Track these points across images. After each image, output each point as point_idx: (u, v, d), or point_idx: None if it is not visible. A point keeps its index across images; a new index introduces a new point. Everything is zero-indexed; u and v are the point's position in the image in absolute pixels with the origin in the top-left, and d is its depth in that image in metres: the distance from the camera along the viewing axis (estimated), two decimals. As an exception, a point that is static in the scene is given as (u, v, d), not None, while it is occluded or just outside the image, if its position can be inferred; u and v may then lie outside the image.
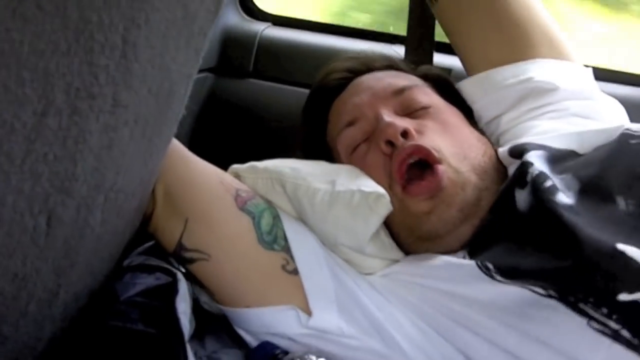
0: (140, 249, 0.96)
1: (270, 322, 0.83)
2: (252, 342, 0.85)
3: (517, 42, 1.02)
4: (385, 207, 0.86)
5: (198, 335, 0.83)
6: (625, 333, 0.68)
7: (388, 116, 0.92)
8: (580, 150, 0.88)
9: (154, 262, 0.87)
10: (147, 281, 0.80)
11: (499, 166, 0.93)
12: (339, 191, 0.87)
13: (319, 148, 1.03)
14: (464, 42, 1.07)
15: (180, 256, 0.86)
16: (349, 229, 0.87)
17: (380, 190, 0.86)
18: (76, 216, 0.60)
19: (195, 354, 0.77)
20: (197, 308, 0.87)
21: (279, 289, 0.84)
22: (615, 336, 0.68)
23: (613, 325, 0.68)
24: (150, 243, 0.98)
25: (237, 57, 1.50)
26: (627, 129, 0.86)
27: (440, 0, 1.07)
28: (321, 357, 0.76)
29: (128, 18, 0.53)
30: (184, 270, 0.94)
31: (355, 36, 1.53)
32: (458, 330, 0.79)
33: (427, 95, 0.98)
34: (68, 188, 0.57)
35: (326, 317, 0.82)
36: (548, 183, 0.81)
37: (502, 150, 0.93)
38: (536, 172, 0.83)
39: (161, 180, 0.84)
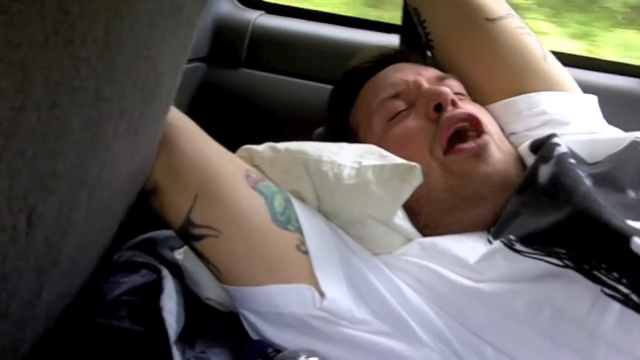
0: (130, 243, 0.94)
1: (281, 300, 0.81)
2: (257, 323, 0.83)
3: (513, 89, 1.04)
4: (417, 177, 0.86)
5: (188, 334, 0.81)
6: (634, 297, 0.70)
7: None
8: (589, 160, 0.91)
9: (141, 258, 0.85)
10: (133, 279, 0.78)
11: (521, 167, 0.96)
12: (368, 165, 0.88)
13: (342, 131, 1.05)
14: (466, 79, 1.07)
15: (187, 233, 0.83)
16: (378, 200, 0.86)
17: (411, 162, 0.87)
18: (58, 213, 0.58)
19: (183, 354, 0.75)
20: (188, 305, 0.85)
21: (293, 268, 0.83)
22: (626, 300, 0.70)
23: (623, 289, 0.71)
24: (141, 237, 0.96)
25: (229, 46, 1.48)
26: (637, 137, 0.90)
27: (435, 54, 1.11)
28: (312, 356, 0.74)
29: (110, 8, 0.51)
30: (180, 257, 0.91)
31: (351, 25, 1.51)
32: (473, 308, 0.79)
33: (462, 86, 1.03)
34: (49, 185, 0.54)
35: (338, 298, 0.81)
36: (572, 160, 0.86)
37: (523, 146, 0.97)
38: (563, 150, 0.88)
39: (164, 155, 0.81)
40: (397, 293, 0.83)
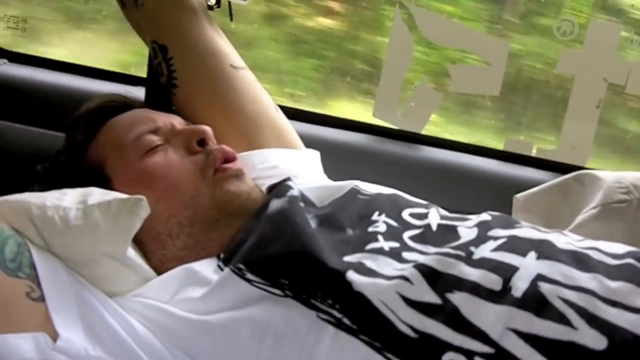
0: None
1: (11, 350, 0.78)
2: None
3: (250, 134, 1.15)
4: (144, 209, 0.88)
5: None
6: (346, 320, 0.79)
7: None
8: (317, 203, 1.01)
9: None
10: None
11: None
12: (94, 204, 0.88)
13: (78, 169, 1.03)
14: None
15: None
16: (109, 235, 0.87)
17: (137, 196, 0.89)
18: None
19: None
20: None
21: (23, 316, 0.80)
22: (339, 324, 0.80)
23: (336, 314, 0.80)
24: None
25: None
26: (357, 186, 1.03)
27: (178, 93, 1.16)
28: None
29: None
30: None
31: (97, 76, 1.51)
32: (200, 340, 0.83)
33: None
34: None
35: (72, 338, 0.81)
36: (302, 204, 0.96)
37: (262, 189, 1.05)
38: (295, 193, 0.98)
39: None
40: (131, 330, 0.85)
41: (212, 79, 1.15)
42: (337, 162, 1.17)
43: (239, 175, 1.01)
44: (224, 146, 1.02)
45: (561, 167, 1.45)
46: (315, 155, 1.21)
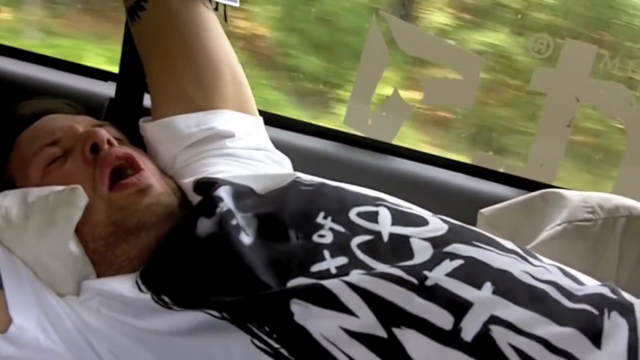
0: None
1: None
2: None
3: (209, 77, 1.09)
4: (81, 197, 0.88)
5: None
6: (284, 351, 0.77)
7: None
8: (258, 189, 0.96)
9: None
10: None
11: (183, 199, 0.98)
12: (33, 201, 0.88)
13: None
14: (158, 72, 1.11)
15: None
16: (51, 230, 0.87)
17: (72, 185, 0.88)
18: None
19: None
20: None
21: None
22: (277, 355, 0.77)
23: (273, 344, 0.77)
24: None
25: None
26: (298, 177, 0.97)
27: (143, 18, 1.10)
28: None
29: None
30: None
31: (65, 69, 1.48)
32: (141, 354, 0.83)
33: (119, 131, 1.04)
34: None
35: (24, 325, 0.81)
36: (234, 222, 0.88)
37: (187, 182, 0.99)
38: (225, 208, 0.89)
39: None
40: (83, 328, 0.85)
41: (185, 10, 1.09)
42: (303, 168, 1.15)
43: (142, 190, 0.92)
44: (117, 149, 0.95)
45: (528, 183, 1.45)
46: (258, 120, 1.15)
